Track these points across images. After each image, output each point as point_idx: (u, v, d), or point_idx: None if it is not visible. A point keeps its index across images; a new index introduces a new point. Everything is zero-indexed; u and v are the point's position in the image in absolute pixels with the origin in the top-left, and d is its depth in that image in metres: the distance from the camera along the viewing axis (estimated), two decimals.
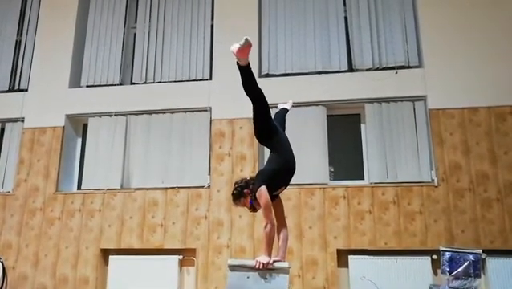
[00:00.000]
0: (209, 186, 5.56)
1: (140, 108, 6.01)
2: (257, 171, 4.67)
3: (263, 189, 3.04)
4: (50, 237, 5.67)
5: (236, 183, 3.26)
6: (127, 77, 6.40)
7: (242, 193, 3.18)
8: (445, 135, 5.25)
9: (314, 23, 5.98)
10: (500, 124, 5.18)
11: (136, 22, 6.58)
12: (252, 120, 3.26)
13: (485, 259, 4.76)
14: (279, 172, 3.17)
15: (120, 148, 5.93)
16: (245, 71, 3.04)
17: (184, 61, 6.18)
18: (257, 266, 2.96)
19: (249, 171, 5.35)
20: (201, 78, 6.06)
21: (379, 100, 5.55)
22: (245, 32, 5.86)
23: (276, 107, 5.30)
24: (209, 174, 5.62)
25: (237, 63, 3.03)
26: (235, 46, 2.95)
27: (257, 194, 3.06)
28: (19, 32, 6.74)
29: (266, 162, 3.34)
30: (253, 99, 3.13)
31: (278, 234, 3.17)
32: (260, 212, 3.14)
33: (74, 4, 6.52)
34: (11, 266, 5.60)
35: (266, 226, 3.00)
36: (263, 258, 2.97)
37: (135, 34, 6.55)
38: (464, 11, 5.55)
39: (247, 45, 2.92)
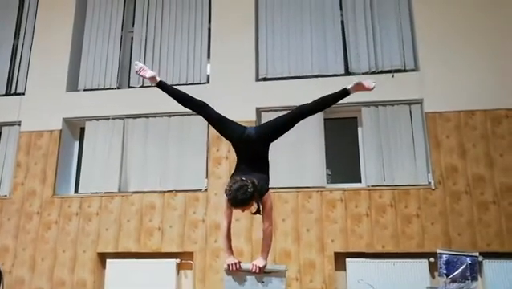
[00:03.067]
0: (206, 190, 5.56)
1: (138, 112, 6.00)
2: None
3: (271, 193, 3.08)
4: (47, 241, 5.65)
5: (245, 185, 2.87)
6: (124, 81, 6.40)
7: (254, 196, 2.89)
8: (442, 138, 5.27)
9: (311, 27, 5.99)
10: (496, 126, 5.20)
11: (133, 25, 6.58)
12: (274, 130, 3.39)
13: (481, 262, 4.77)
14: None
15: (118, 152, 5.93)
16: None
17: (181, 64, 6.18)
18: (253, 270, 2.97)
19: None
20: (198, 81, 6.06)
21: (376, 104, 5.56)
22: (243, 35, 5.97)
23: (274, 110, 5.37)
24: (207, 177, 5.61)
25: (347, 91, 3.38)
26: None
27: (265, 198, 3.03)
28: (16, 36, 6.72)
29: (260, 168, 3.25)
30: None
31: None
32: (256, 216, 3.15)
33: (71, 8, 6.52)
34: (8, 271, 5.57)
35: (268, 227, 3.00)
36: (260, 262, 2.97)
37: (132, 38, 6.55)
38: (460, 15, 5.58)
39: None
